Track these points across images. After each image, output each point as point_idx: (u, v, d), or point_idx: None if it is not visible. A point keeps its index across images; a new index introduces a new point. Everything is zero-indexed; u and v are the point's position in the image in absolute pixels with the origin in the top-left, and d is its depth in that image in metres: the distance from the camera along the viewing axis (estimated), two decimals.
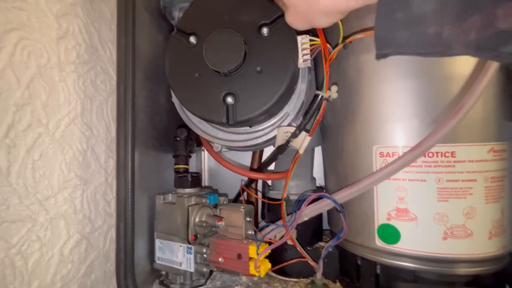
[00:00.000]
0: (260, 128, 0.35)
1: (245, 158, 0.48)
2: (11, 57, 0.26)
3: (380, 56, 0.19)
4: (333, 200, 0.29)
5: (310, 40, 0.28)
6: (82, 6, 0.34)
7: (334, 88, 0.29)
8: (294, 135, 0.31)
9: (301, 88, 0.33)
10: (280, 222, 0.33)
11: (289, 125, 0.34)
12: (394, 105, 0.28)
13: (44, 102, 0.29)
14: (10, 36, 0.26)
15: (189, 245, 0.31)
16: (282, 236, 0.33)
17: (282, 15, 0.28)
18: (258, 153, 0.45)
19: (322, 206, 0.31)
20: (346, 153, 0.32)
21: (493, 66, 0.24)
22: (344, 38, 0.28)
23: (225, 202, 0.36)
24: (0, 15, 0.25)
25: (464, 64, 0.26)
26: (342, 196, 0.29)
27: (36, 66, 0.28)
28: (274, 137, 0.35)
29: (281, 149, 0.33)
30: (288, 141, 0.32)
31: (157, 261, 0.34)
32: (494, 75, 0.25)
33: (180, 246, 0.32)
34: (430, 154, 0.26)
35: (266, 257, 0.31)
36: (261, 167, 0.38)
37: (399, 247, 0.27)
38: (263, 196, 0.42)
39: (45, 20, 0.29)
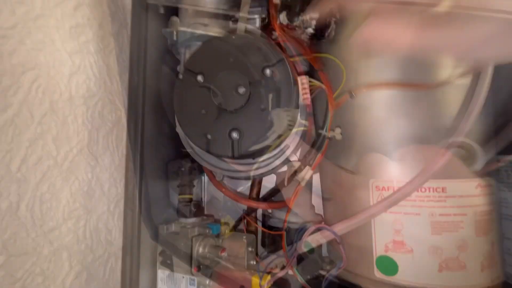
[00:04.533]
0: (262, 159, 0.36)
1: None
2: (27, 95, 0.27)
3: None
4: (333, 232, 0.31)
5: (310, 81, 0.31)
6: (94, 43, 0.36)
7: (338, 130, 0.31)
8: (300, 170, 0.33)
9: (301, 122, 0.35)
10: (281, 252, 0.34)
11: (290, 156, 0.36)
12: (387, 141, 0.30)
13: (54, 136, 0.30)
14: (27, 76, 0.27)
15: (192, 277, 0.32)
16: (284, 266, 0.33)
17: (282, 59, 0.31)
18: (257, 182, 0.46)
19: (322, 238, 0.32)
20: (343, 184, 0.34)
21: (476, 110, 0.26)
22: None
23: (227, 231, 0.37)
24: (20, 57, 0.27)
25: (452, 105, 0.29)
26: (341, 229, 0.30)
27: (49, 102, 0.30)
28: (275, 167, 0.37)
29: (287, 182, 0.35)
30: (293, 176, 0.33)
31: None
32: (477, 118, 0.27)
33: (183, 277, 0.32)
34: (423, 189, 0.28)
35: None
36: (265, 198, 0.39)
37: (397, 279, 0.28)
38: (263, 225, 0.42)
39: (60, 58, 0.31)
